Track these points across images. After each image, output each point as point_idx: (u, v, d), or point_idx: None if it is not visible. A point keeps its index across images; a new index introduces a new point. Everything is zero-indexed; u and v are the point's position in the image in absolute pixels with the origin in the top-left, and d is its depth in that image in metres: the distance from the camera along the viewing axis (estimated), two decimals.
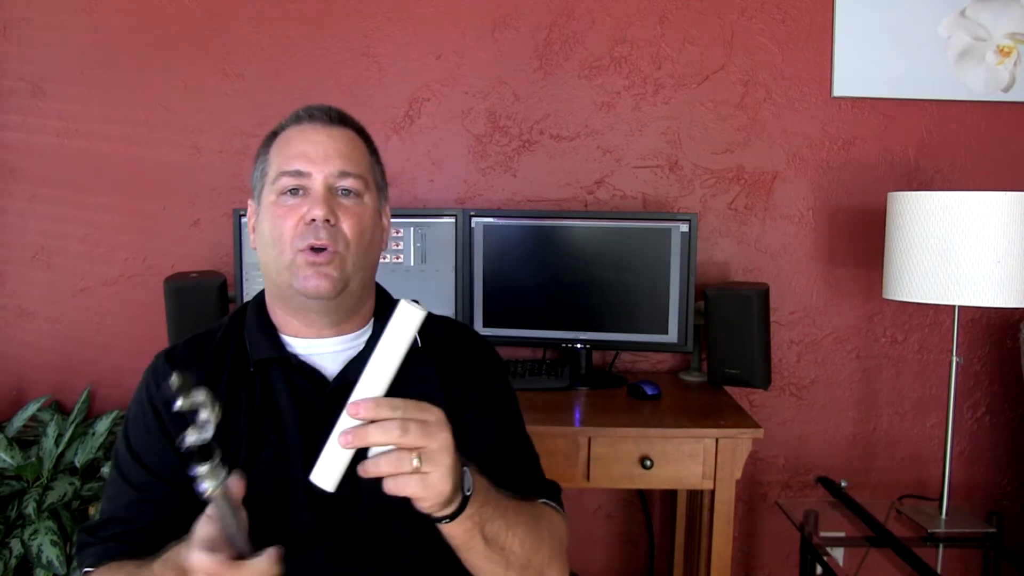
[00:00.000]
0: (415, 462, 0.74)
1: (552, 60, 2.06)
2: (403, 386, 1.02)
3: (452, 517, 0.81)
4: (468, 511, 0.81)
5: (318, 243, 0.95)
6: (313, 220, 0.95)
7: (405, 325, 0.78)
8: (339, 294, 0.98)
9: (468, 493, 0.81)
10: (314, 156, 0.97)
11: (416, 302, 0.79)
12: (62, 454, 1.85)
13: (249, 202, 1.06)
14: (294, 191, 0.97)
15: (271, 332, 1.02)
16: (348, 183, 0.98)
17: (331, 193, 0.97)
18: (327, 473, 0.76)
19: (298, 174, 0.97)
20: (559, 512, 1.04)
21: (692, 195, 2.09)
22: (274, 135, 1.04)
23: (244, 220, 1.90)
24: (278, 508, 0.94)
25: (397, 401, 0.76)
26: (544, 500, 1.03)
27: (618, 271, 1.91)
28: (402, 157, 2.08)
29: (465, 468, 0.82)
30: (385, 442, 0.73)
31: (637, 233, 1.90)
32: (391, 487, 0.75)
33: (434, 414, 0.77)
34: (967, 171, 2.08)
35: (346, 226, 0.97)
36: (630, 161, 2.09)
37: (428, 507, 0.78)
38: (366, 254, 1.00)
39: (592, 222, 1.92)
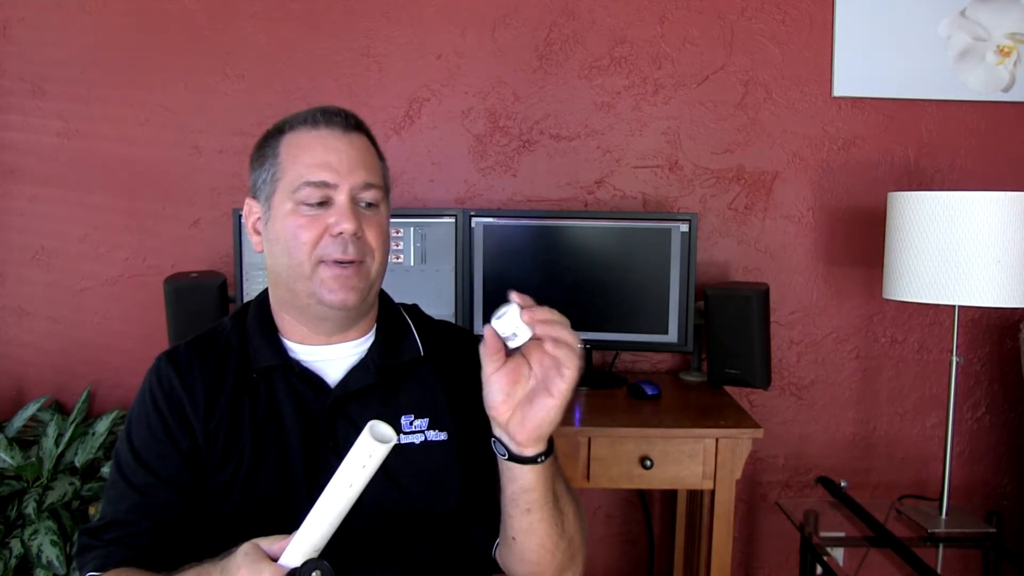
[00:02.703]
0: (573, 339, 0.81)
1: (552, 60, 2.06)
2: (405, 393, 1.03)
3: (545, 455, 0.86)
4: (552, 456, 0.88)
5: (346, 257, 0.94)
6: (340, 233, 0.94)
7: (368, 458, 0.76)
8: (361, 304, 0.98)
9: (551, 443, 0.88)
10: (338, 166, 0.95)
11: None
12: (62, 454, 1.85)
13: (249, 202, 1.03)
14: (319, 202, 0.95)
15: (273, 338, 1.01)
16: (370, 195, 0.97)
17: (354, 204, 0.96)
18: (298, 549, 0.77)
19: (324, 185, 0.95)
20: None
21: (692, 195, 2.09)
22: (280, 131, 1.00)
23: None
24: (280, 515, 0.94)
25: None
26: None
27: (618, 271, 1.90)
28: (402, 157, 2.08)
29: None
30: (553, 318, 0.81)
31: (637, 233, 1.90)
32: (556, 332, 0.80)
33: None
34: (967, 171, 2.08)
35: (371, 237, 0.97)
36: (630, 161, 2.09)
37: (551, 407, 0.82)
38: (384, 262, 1.01)
39: (592, 222, 1.92)
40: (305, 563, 0.74)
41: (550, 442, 0.87)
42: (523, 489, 0.87)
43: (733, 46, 2.05)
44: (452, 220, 1.92)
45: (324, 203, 0.95)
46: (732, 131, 2.08)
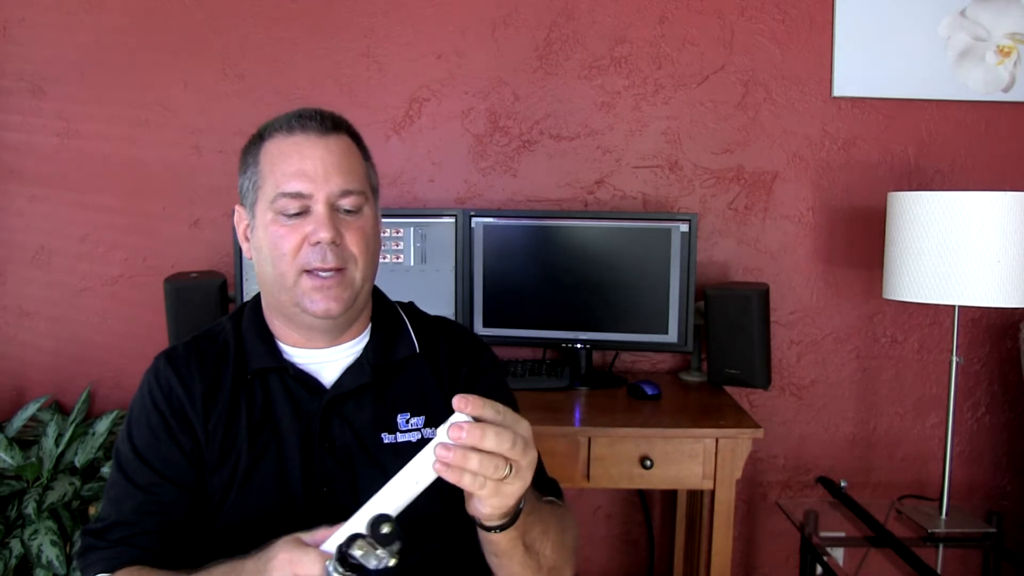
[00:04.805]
0: (506, 471, 0.73)
1: (552, 60, 2.06)
2: (401, 391, 1.03)
3: (503, 528, 0.80)
4: (517, 523, 0.81)
5: (326, 265, 0.94)
6: (319, 242, 0.93)
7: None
8: (347, 311, 0.98)
9: (521, 506, 0.81)
10: (314, 174, 0.94)
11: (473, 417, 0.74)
12: (62, 454, 1.85)
13: (238, 208, 1.03)
14: (297, 212, 0.95)
15: (268, 340, 1.02)
16: (349, 201, 0.96)
17: (333, 211, 0.95)
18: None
19: (299, 196, 0.94)
20: (571, 511, 1.04)
21: (692, 195, 2.09)
22: (260, 138, 0.99)
23: None
24: (278, 516, 0.94)
25: (508, 413, 0.75)
26: (551, 498, 1.02)
27: (618, 271, 1.91)
28: (402, 157, 2.08)
29: None
30: (497, 449, 0.72)
31: (637, 233, 1.90)
32: (470, 484, 0.72)
33: (528, 431, 0.76)
34: (967, 171, 2.08)
35: (352, 244, 0.96)
36: (630, 161, 2.09)
37: (487, 514, 0.78)
38: (370, 266, 1.00)
39: (592, 222, 1.92)
40: (348, 537, 0.72)
41: (518, 512, 0.82)
42: (488, 541, 0.85)
43: (733, 46, 2.05)
44: (452, 220, 1.92)
45: (303, 212, 0.95)
46: (732, 131, 2.08)
